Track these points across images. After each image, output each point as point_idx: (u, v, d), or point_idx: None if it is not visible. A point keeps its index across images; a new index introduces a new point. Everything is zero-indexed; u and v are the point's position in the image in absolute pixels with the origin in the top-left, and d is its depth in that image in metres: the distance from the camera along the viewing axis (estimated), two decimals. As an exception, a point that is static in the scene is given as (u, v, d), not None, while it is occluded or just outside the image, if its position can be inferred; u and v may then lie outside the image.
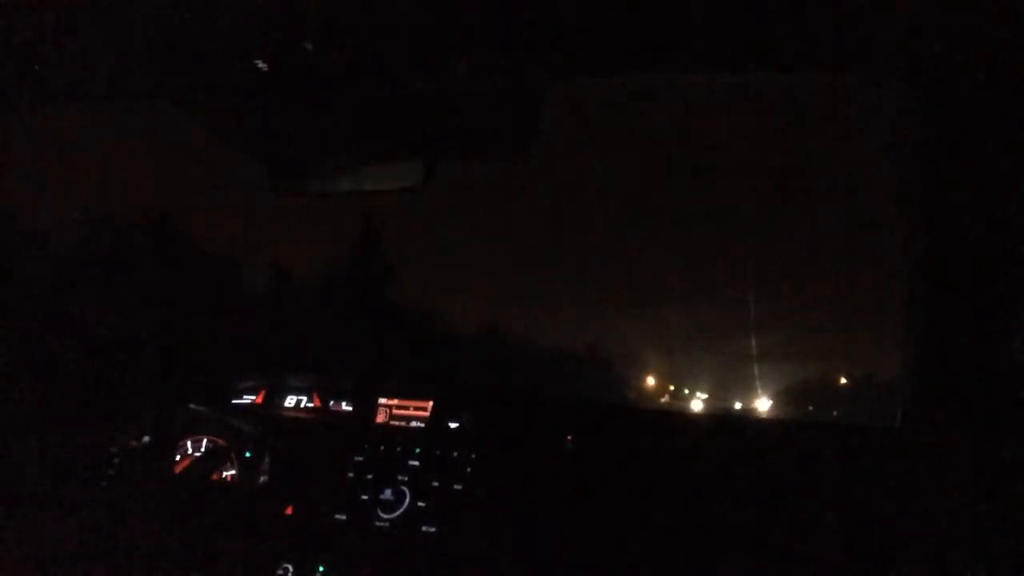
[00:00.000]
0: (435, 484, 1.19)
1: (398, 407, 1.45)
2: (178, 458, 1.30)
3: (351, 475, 1.24)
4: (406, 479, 1.21)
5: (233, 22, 0.82)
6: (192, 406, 1.33)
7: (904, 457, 0.96)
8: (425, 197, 1.09)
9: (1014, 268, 0.74)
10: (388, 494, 1.19)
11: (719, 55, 0.86)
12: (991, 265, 0.76)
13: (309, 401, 1.52)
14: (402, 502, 1.18)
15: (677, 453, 1.20)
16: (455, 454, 1.23)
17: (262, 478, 1.26)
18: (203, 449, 1.31)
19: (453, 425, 1.39)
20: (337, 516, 1.19)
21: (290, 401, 1.53)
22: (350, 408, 1.49)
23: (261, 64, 0.88)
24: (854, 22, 0.76)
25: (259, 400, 1.53)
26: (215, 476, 1.27)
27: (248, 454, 1.29)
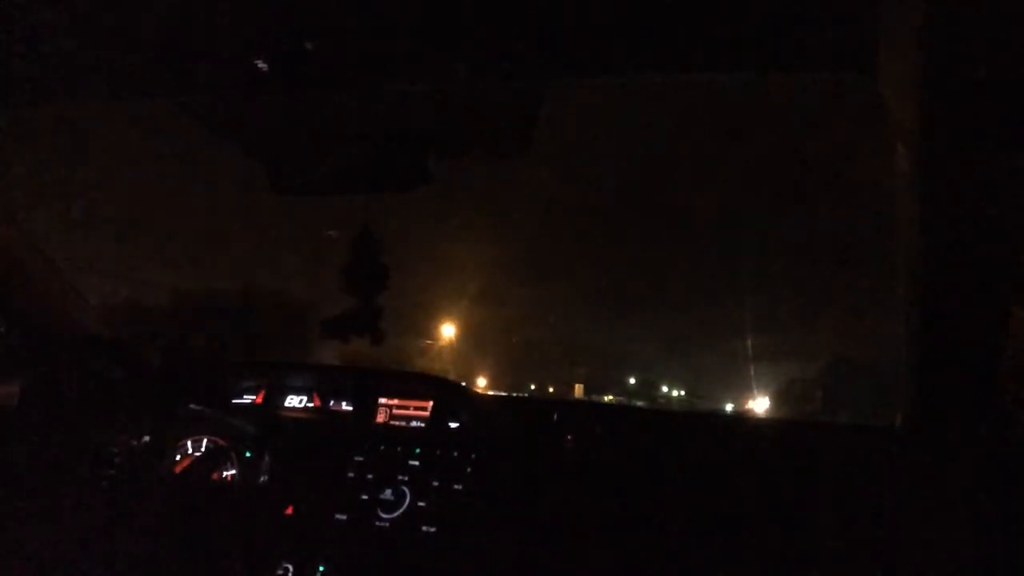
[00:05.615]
0: (435, 484, 1.19)
1: (398, 407, 1.45)
2: (178, 458, 1.30)
3: (351, 475, 1.24)
4: (406, 479, 1.21)
5: (233, 22, 0.82)
6: (192, 406, 1.33)
7: (904, 457, 0.96)
8: (425, 197, 1.09)
9: (1014, 268, 0.74)
10: (388, 494, 1.19)
11: (719, 55, 0.86)
12: (991, 265, 0.76)
13: (309, 401, 1.52)
14: (402, 502, 1.18)
15: (677, 453, 1.20)
16: (455, 454, 1.23)
17: (262, 478, 1.26)
18: (203, 449, 1.31)
19: (453, 425, 1.39)
20: (337, 516, 1.19)
21: (290, 401, 1.53)
22: (350, 408, 1.49)
23: (261, 64, 0.88)
24: (854, 22, 0.76)
25: (259, 400, 1.52)
26: (215, 476, 1.27)
27: (248, 454, 1.29)
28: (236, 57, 0.89)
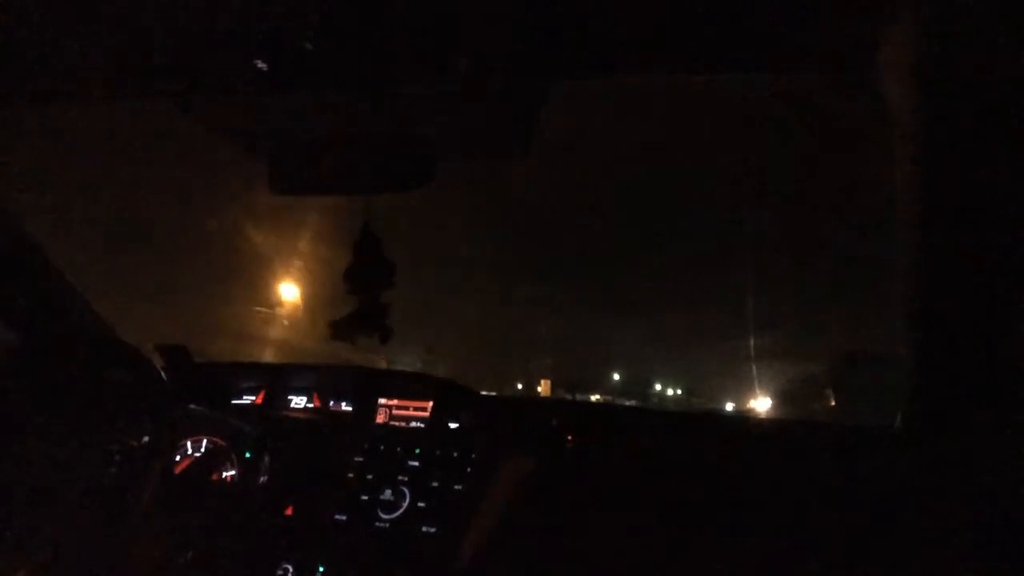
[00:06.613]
0: (435, 484, 1.19)
1: (398, 407, 1.45)
2: (178, 458, 1.30)
3: (351, 475, 1.24)
4: (406, 479, 1.21)
5: (233, 22, 0.82)
6: (192, 406, 1.33)
7: (904, 457, 0.96)
8: (425, 197, 1.09)
9: (1013, 268, 0.74)
10: (388, 494, 1.19)
11: (719, 55, 0.86)
12: (991, 265, 0.76)
13: (309, 401, 1.52)
14: (402, 502, 1.18)
15: (676, 453, 1.20)
16: (455, 454, 1.23)
17: (262, 478, 1.26)
18: (203, 449, 1.31)
19: (453, 425, 1.39)
20: (337, 516, 1.19)
21: (290, 401, 1.53)
22: (350, 408, 1.50)
23: (261, 64, 0.88)
24: (854, 22, 0.76)
25: (259, 400, 1.53)
26: (215, 476, 1.27)
27: (248, 454, 1.29)
28: (236, 57, 0.89)
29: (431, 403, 1.42)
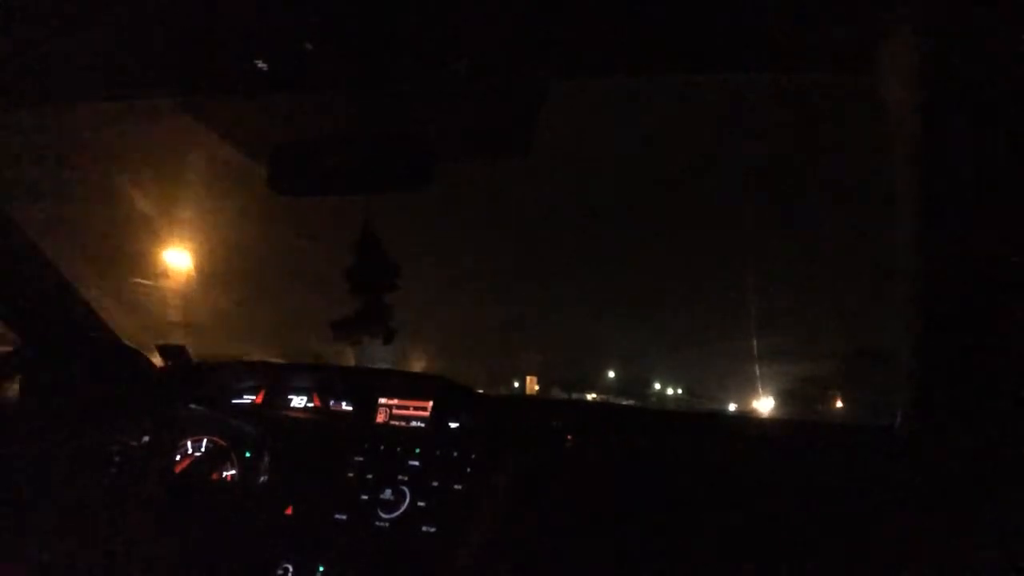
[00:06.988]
0: (435, 484, 1.19)
1: (398, 407, 1.45)
2: (178, 458, 1.30)
3: (351, 475, 1.24)
4: (406, 479, 1.21)
5: (233, 22, 0.82)
6: (192, 406, 1.33)
7: (904, 457, 0.96)
8: (425, 197, 1.09)
9: (1014, 268, 0.74)
10: (388, 494, 1.19)
11: (719, 55, 0.86)
12: (991, 264, 0.76)
13: (309, 401, 1.52)
14: (402, 502, 1.18)
15: (676, 453, 1.20)
16: (455, 454, 1.23)
17: (262, 478, 1.26)
18: (203, 449, 1.31)
19: (453, 425, 1.39)
20: (337, 516, 1.19)
21: (290, 401, 1.53)
22: (350, 408, 1.50)
23: (261, 64, 0.88)
24: (854, 22, 0.76)
25: (259, 400, 1.53)
26: (215, 476, 1.27)
27: (248, 454, 1.29)
28: (236, 57, 0.89)
29: (431, 403, 1.42)
